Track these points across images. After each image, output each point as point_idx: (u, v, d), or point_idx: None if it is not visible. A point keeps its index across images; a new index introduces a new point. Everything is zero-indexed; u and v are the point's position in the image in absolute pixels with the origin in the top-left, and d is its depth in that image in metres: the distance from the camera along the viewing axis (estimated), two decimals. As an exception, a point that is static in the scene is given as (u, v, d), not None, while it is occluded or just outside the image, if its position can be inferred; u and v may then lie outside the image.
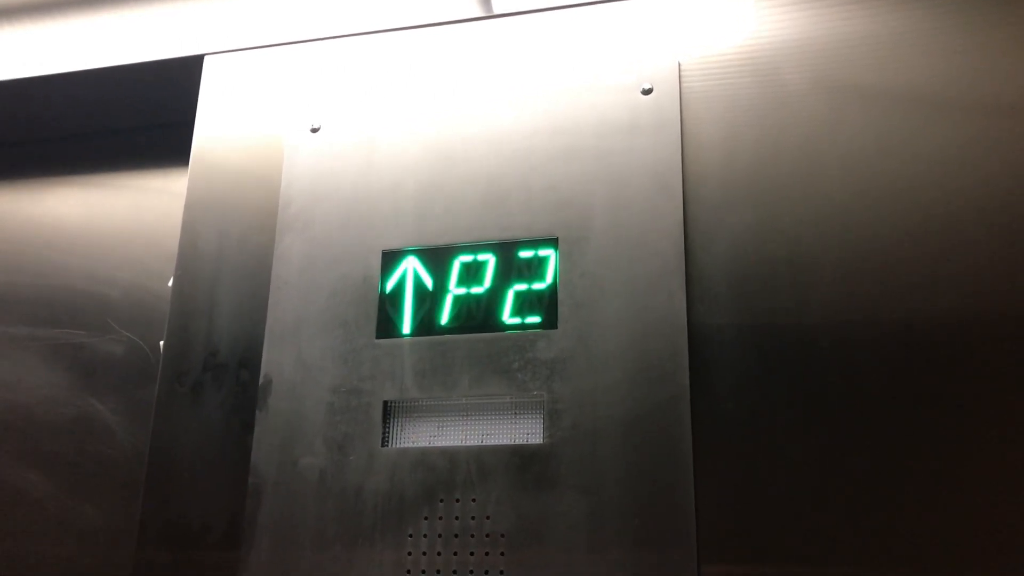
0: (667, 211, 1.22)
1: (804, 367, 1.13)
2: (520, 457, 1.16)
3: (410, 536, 1.17)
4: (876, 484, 1.06)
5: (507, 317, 1.24)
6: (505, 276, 1.26)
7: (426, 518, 1.17)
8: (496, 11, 1.43)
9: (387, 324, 1.28)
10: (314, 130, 1.42)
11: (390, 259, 1.31)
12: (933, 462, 1.06)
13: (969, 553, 1.02)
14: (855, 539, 1.05)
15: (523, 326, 1.23)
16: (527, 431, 1.19)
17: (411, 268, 1.30)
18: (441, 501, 1.17)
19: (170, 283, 1.43)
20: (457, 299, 1.27)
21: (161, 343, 1.39)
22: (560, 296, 1.22)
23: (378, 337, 1.27)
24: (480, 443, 1.20)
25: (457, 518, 1.16)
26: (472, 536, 1.15)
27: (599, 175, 1.27)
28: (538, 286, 1.24)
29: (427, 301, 1.27)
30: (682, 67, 1.30)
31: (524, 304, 1.24)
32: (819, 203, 1.19)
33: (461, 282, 1.27)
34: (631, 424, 1.14)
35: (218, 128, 1.50)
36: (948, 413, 1.07)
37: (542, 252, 1.25)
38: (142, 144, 1.75)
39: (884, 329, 1.12)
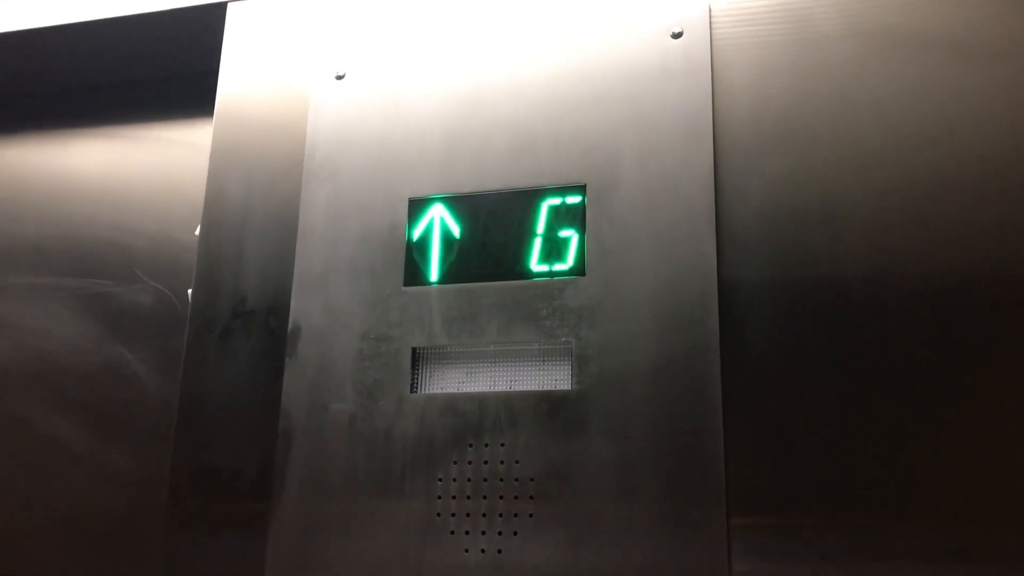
0: (697, 157, 1.21)
1: (836, 316, 1.12)
2: (549, 403, 1.17)
3: (440, 481, 1.18)
4: (907, 435, 1.06)
5: (535, 265, 1.23)
6: (533, 223, 1.25)
7: (455, 463, 1.18)
8: (523, -45, 1.41)
9: (414, 272, 1.28)
10: (339, 77, 1.41)
11: (416, 207, 1.30)
12: (965, 414, 1.05)
13: (1001, 505, 1.02)
14: (885, 490, 1.05)
15: (551, 273, 1.22)
16: (555, 378, 1.20)
17: (438, 216, 1.29)
18: (470, 446, 1.18)
19: (196, 232, 1.43)
20: (484, 246, 1.26)
21: (189, 291, 1.40)
22: (588, 243, 1.21)
23: (405, 285, 1.27)
24: (508, 389, 1.20)
25: (486, 463, 1.17)
26: (501, 480, 1.16)
27: (628, 121, 1.25)
28: (566, 233, 1.23)
29: (454, 248, 1.27)
30: (712, 11, 1.28)
31: (552, 251, 1.23)
32: (852, 149, 1.17)
33: (488, 229, 1.27)
34: (660, 371, 1.14)
35: (242, 77, 1.49)
36: (981, 365, 1.06)
37: (570, 199, 1.24)
38: (166, 94, 1.74)
39: (917, 279, 1.11)
